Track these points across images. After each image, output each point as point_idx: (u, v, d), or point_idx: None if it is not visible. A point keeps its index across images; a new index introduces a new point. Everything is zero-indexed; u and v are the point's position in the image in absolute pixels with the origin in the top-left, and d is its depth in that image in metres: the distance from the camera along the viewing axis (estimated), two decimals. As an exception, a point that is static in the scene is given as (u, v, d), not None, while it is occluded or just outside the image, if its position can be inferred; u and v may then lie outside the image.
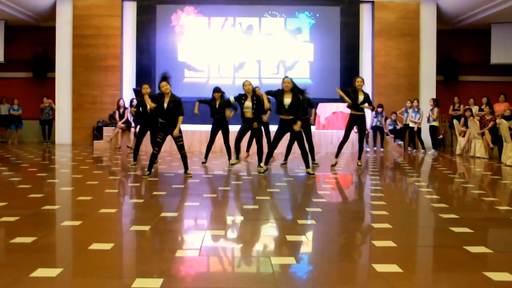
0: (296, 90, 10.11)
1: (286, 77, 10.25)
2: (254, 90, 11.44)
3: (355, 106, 11.60)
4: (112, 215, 6.21)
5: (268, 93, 10.35)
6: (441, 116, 19.73)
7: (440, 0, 19.57)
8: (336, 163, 12.04)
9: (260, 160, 11.07)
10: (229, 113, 12.07)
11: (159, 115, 9.72)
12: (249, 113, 11.32)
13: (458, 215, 6.25)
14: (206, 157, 12.55)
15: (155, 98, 9.81)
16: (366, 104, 11.72)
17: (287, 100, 9.97)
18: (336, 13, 20.51)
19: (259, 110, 11.30)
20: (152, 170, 10.12)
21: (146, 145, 15.40)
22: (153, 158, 9.74)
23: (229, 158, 12.42)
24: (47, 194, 7.85)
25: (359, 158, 12.30)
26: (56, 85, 19.55)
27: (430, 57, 19.71)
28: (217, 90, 12.13)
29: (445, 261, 4.42)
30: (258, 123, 11.39)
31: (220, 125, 12.17)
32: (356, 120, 11.81)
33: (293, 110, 9.95)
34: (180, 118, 9.70)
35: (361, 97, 11.61)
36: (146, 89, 10.76)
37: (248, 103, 11.32)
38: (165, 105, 9.57)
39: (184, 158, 9.94)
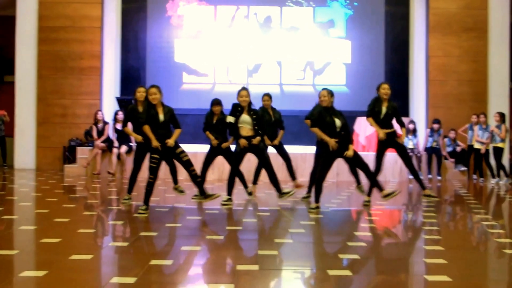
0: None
1: (325, 89, 10.64)
2: (250, 102, 11.23)
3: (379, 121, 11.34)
4: (87, 263, 6.18)
5: (313, 122, 10.50)
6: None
7: (514, -15, 19.58)
8: (369, 201, 11.44)
9: (278, 189, 11.13)
10: (227, 142, 11.68)
11: (153, 130, 9.75)
12: (246, 131, 11.05)
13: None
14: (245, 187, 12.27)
15: (149, 108, 9.83)
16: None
17: (338, 121, 10.23)
18: (379, 1, 20.59)
19: (260, 128, 11.22)
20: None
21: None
22: (150, 189, 9.73)
23: (245, 187, 12.32)
24: (2, 235, 7.84)
25: (424, 187, 11.57)
26: (15, 92, 19.63)
27: (501, 58, 19.59)
28: (217, 103, 11.86)
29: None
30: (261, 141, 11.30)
31: (219, 148, 11.81)
32: (386, 140, 11.22)
33: (345, 131, 10.30)
34: (178, 131, 9.99)
35: (384, 109, 11.25)
36: (141, 93, 10.88)
37: (245, 117, 11.10)
38: (161, 116, 9.69)
39: (195, 177, 10.03)
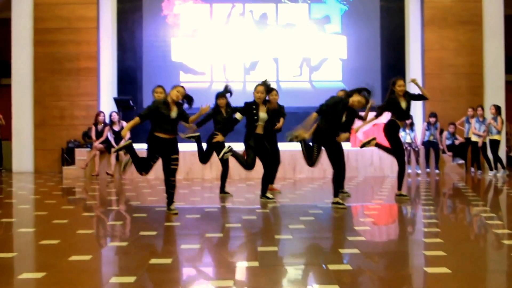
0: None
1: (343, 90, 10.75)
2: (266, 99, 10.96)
3: (400, 114, 11.26)
4: (86, 264, 6.17)
5: (323, 109, 10.04)
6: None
7: (509, -23, 19.55)
8: (402, 195, 11.41)
9: (264, 190, 11.04)
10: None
11: (163, 129, 9.51)
12: (260, 128, 10.79)
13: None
14: (223, 188, 12.12)
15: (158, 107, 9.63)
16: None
17: (344, 117, 10.08)
18: (374, -5, 20.60)
19: (272, 125, 11.15)
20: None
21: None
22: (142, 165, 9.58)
23: (222, 188, 12.15)
24: (1, 238, 7.84)
25: (400, 187, 11.51)
26: (12, 95, 19.60)
27: (497, 51, 19.56)
28: (222, 95, 11.70)
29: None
30: (271, 139, 11.21)
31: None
32: (397, 130, 11.24)
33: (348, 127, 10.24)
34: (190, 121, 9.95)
35: (404, 104, 11.14)
36: (158, 93, 10.55)
37: (263, 114, 10.74)
38: (173, 114, 9.40)
39: (172, 188, 9.63)
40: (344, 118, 9.95)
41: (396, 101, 11.04)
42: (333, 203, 10.12)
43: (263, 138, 10.81)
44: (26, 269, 5.96)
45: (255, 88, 10.80)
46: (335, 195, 10.19)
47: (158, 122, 9.34)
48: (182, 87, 9.54)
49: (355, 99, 9.87)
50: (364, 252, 6.58)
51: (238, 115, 10.82)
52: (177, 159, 9.52)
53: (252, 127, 10.74)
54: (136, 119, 9.34)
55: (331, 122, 9.95)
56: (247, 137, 10.76)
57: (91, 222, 9.34)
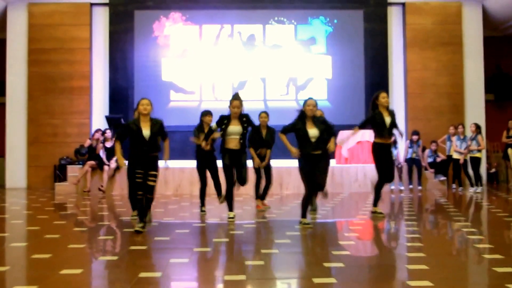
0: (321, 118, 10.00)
1: (310, 98, 9.90)
2: (246, 116, 10.53)
3: (382, 132, 10.93)
4: (77, 277, 6.12)
5: (286, 131, 9.75)
6: (493, 145, 19.63)
7: (487, 1, 19.63)
8: (378, 212, 11.19)
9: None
10: (217, 133, 10.89)
11: (136, 146, 9.33)
12: (235, 144, 10.39)
13: (518, 270, 6.17)
14: (203, 203, 11.82)
15: (126, 128, 9.50)
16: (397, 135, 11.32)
17: (313, 131, 9.57)
18: (358, 18, 20.62)
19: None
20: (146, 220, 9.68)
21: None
22: (142, 205, 9.26)
23: (202, 205, 11.81)
24: (-5, 251, 7.77)
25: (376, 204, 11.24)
26: (6, 113, 19.59)
27: (476, 71, 19.71)
28: (207, 113, 11.65)
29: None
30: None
31: (206, 160, 11.60)
32: (383, 151, 10.99)
33: (322, 143, 9.69)
34: (168, 141, 9.57)
35: (388, 120, 10.92)
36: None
37: (234, 128, 10.40)
38: (146, 131, 9.18)
39: (148, 204, 9.37)
40: (316, 133, 9.64)
41: (381, 115, 10.83)
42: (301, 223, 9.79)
43: (238, 153, 10.42)
44: (17, 282, 5.91)
45: (231, 102, 10.42)
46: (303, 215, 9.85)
47: (133, 141, 9.27)
48: (144, 99, 9.47)
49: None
50: (348, 266, 6.56)
51: (213, 126, 10.53)
52: (155, 176, 9.31)
53: (223, 141, 10.45)
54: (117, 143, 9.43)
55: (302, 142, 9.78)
56: (221, 153, 10.47)
57: (83, 236, 9.28)
